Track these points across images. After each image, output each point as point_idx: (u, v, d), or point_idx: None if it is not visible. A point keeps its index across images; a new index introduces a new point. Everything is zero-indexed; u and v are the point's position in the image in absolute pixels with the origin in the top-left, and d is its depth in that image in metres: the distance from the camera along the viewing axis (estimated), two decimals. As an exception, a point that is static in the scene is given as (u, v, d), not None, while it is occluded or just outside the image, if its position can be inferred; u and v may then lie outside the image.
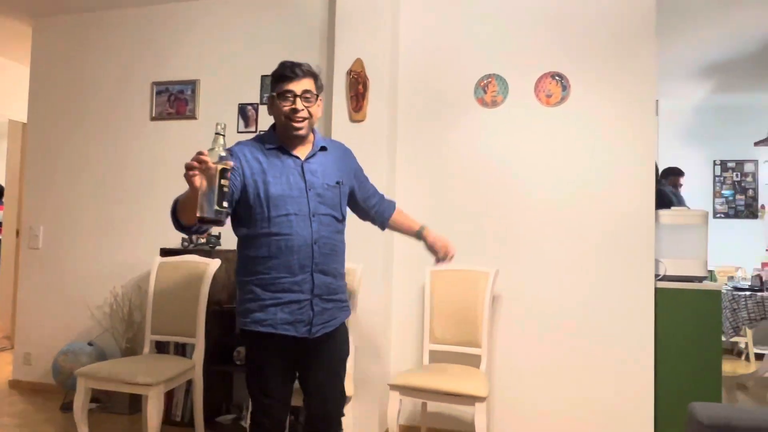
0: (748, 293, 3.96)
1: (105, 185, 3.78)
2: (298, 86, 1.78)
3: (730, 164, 5.93)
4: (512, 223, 3.05)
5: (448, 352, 2.85)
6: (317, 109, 1.86)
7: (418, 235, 2.12)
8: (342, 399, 1.97)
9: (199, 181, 1.47)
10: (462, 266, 2.84)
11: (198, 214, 1.47)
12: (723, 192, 5.94)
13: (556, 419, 2.93)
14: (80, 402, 2.54)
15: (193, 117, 3.60)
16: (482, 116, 3.12)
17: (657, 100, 5.66)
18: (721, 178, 5.91)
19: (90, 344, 3.50)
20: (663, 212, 3.03)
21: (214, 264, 2.92)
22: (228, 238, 3.38)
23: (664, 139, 5.75)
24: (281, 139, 1.86)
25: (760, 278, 4.19)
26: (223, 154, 1.48)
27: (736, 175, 5.90)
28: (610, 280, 2.89)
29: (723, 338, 5.11)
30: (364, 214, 2.14)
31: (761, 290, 4.03)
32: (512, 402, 2.99)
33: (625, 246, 2.88)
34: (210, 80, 3.60)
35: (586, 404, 2.90)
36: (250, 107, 3.50)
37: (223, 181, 1.46)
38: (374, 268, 2.98)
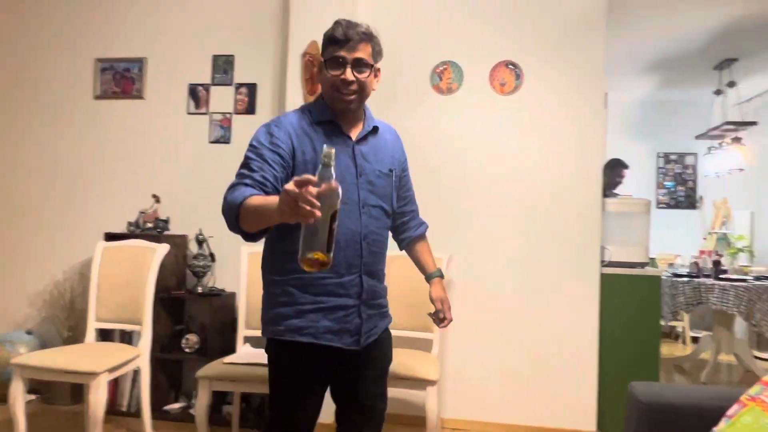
0: (686, 279, 4.16)
1: (44, 166, 3.59)
2: (350, 53, 1.48)
3: (672, 157, 6.20)
4: (465, 209, 3.09)
5: (400, 338, 2.87)
6: (372, 82, 1.56)
7: (428, 277, 1.83)
8: (382, 417, 1.72)
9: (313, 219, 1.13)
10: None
11: (301, 255, 1.18)
12: (665, 183, 6.21)
13: (506, 400, 3.01)
14: (16, 393, 2.42)
15: (140, 97, 3.45)
16: (438, 103, 3.13)
17: (606, 93, 5.86)
18: (664, 170, 6.17)
19: (29, 333, 3.34)
20: (609, 200, 3.14)
21: (162, 249, 2.83)
22: (177, 222, 3.28)
23: (612, 131, 5.93)
24: (331, 112, 1.56)
25: (697, 265, 4.42)
26: (333, 187, 1.15)
27: (678, 168, 6.18)
28: (559, 266, 2.97)
29: (662, 322, 5.38)
30: (391, 218, 1.76)
31: (698, 276, 4.25)
32: (463, 385, 3.05)
33: (573, 232, 2.97)
34: (159, 59, 3.46)
35: (534, 385, 2.99)
36: (201, 88, 3.39)
37: (333, 225, 1.18)
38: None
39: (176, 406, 3.12)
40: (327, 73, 1.52)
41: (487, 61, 3.09)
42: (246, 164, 1.51)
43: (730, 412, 1.66)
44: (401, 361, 2.51)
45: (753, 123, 4.89)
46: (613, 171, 4.59)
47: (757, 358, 4.82)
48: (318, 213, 1.10)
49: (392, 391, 2.99)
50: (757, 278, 4.18)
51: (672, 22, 4.01)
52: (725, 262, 4.80)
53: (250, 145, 1.54)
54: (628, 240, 3.05)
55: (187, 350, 3.07)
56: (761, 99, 5.19)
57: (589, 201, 2.97)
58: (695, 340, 5.38)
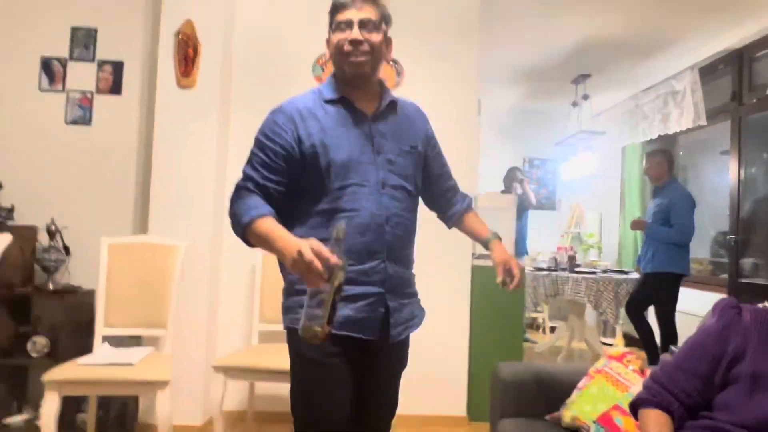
0: (545, 273, 4.54)
1: None
2: (356, 14, 1.41)
3: (536, 162, 6.75)
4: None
5: (280, 332, 2.80)
6: (383, 46, 1.45)
7: (485, 243, 1.68)
8: (390, 423, 1.62)
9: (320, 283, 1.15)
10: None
11: (302, 324, 1.17)
12: (530, 186, 6.74)
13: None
14: None
15: (-22, 68, 3.02)
16: (320, 95, 3.11)
17: (480, 100, 6.24)
18: (529, 174, 6.70)
19: None
20: (480, 196, 3.32)
21: (3, 240, 2.49)
22: (25, 211, 2.92)
23: (486, 135, 6.34)
24: (343, 88, 1.47)
25: (555, 260, 4.85)
26: (341, 263, 1.18)
27: (540, 172, 6.75)
28: (435, 257, 3.08)
29: (526, 313, 5.83)
30: (432, 198, 1.71)
31: (556, 270, 4.66)
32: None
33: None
34: (4, 26, 3.05)
35: (411, 369, 3.07)
36: (56, 62, 3.05)
37: (337, 297, 1.19)
38: (201, 246, 2.81)
39: (20, 418, 2.76)
40: (333, 38, 1.44)
41: (370, 56, 3.12)
42: (250, 162, 1.46)
43: (580, 384, 1.84)
44: (278, 355, 2.45)
45: (602, 133, 5.48)
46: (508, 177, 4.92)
47: (603, 343, 5.40)
48: (325, 284, 1.15)
49: (269, 388, 2.94)
50: (604, 271, 4.69)
51: (535, 38, 4.36)
52: (579, 257, 5.32)
53: (256, 137, 1.47)
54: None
55: (33, 354, 2.73)
56: (608, 113, 5.84)
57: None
58: (553, 329, 5.90)
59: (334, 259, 1.15)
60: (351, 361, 1.42)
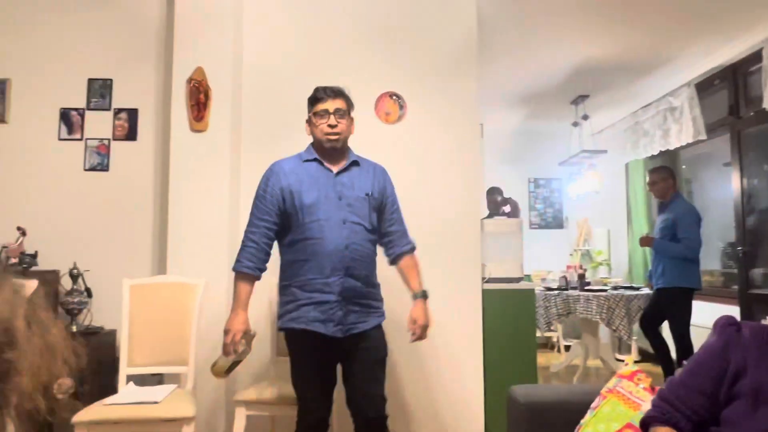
0: (556, 292, 4.58)
1: None
2: (331, 105, 2.04)
3: (541, 182, 6.83)
4: (356, 234, 3.18)
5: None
6: (349, 126, 2.10)
7: (413, 296, 2.18)
8: (381, 400, 2.07)
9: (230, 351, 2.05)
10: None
11: (212, 366, 2.10)
12: (536, 206, 6.81)
13: (398, 414, 3.09)
14: None
15: (2, 121, 3.17)
16: (326, 131, 3.22)
17: (482, 124, 6.35)
18: (535, 194, 6.77)
19: None
20: (487, 221, 3.40)
21: (29, 286, 2.59)
22: (48, 257, 3.03)
23: (489, 158, 6.43)
24: (318, 153, 2.09)
25: (566, 279, 4.89)
26: (244, 353, 2.11)
27: (546, 191, 6.82)
28: (445, 283, 3.14)
29: (538, 333, 5.83)
30: (380, 236, 2.20)
31: (566, 289, 4.70)
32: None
33: (457, 252, 3.18)
34: (25, 80, 3.20)
35: (426, 393, 3.11)
36: (74, 112, 3.19)
37: (233, 366, 2.10)
38: (218, 283, 2.89)
39: (46, 459, 2.82)
40: (316, 122, 2.06)
41: (373, 91, 3.24)
42: (251, 217, 2.12)
43: (593, 404, 1.87)
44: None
45: (604, 151, 5.56)
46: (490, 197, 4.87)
47: (619, 360, 5.39)
48: (230, 354, 2.06)
49: (290, 418, 2.98)
50: (615, 288, 4.72)
51: (533, 62, 4.49)
52: (588, 275, 5.35)
53: (255, 194, 2.13)
54: (504, 257, 3.32)
55: (59, 396, 2.80)
56: (609, 131, 5.93)
57: (469, 223, 3.20)
58: (568, 348, 5.89)
59: (237, 347, 2.04)
60: (320, 352, 2.01)
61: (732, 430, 1.26)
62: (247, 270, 2.04)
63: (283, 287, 2.07)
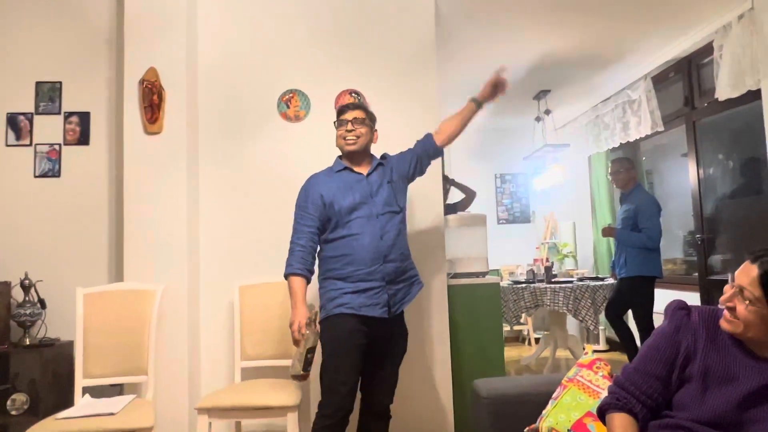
0: (524, 285, 4.62)
1: None
2: (350, 115, 2.32)
3: (507, 177, 6.89)
4: (320, 234, 3.14)
5: (262, 367, 2.81)
6: (368, 133, 2.36)
7: (476, 105, 2.53)
8: (395, 386, 2.39)
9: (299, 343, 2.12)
10: (267, 279, 2.84)
11: (291, 372, 2.13)
12: (503, 201, 6.87)
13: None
14: None
15: (-56, 128, 3.03)
16: (286, 130, 3.18)
17: (447, 121, 6.37)
18: (501, 189, 6.83)
19: None
20: (450, 217, 3.40)
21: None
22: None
23: (455, 155, 6.47)
24: (346, 162, 2.36)
25: (533, 272, 4.93)
26: (313, 340, 2.13)
27: (512, 186, 6.88)
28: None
29: (508, 327, 5.87)
30: (425, 163, 2.50)
31: (534, 282, 4.74)
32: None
33: (420, 248, 3.16)
34: (-33, 85, 3.07)
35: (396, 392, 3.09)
36: (22, 117, 3.07)
37: (309, 356, 2.10)
38: (178, 289, 2.82)
39: (1, 479, 2.70)
40: (338, 131, 2.35)
41: (332, 89, 3.21)
42: (295, 225, 2.32)
43: (554, 395, 1.88)
44: (260, 391, 2.46)
45: (567, 145, 5.64)
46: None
47: (587, 350, 5.47)
48: (299, 344, 2.12)
49: (255, 425, 2.93)
50: (581, 279, 4.78)
51: (494, 57, 4.51)
52: (555, 267, 5.41)
53: (296, 206, 2.35)
54: (469, 252, 3.32)
55: (13, 412, 2.69)
56: (571, 125, 6.02)
57: (432, 218, 3.19)
58: (538, 340, 5.96)
59: (303, 331, 2.10)
60: (361, 337, 2.18)
61: (683, 413, 1.28)
62: (299, 271, 2.21)
63: (325, 279, 2.26)
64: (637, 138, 4.82)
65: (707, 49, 4.04)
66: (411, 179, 2.49)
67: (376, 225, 2.24)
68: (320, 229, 2.30)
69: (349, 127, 2.31)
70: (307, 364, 2.09)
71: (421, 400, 3.09)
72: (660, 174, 5.77)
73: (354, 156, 2.35)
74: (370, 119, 2.38)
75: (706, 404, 1.25)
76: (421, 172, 2.51)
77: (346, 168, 2.36)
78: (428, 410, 3.09)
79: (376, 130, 2.43)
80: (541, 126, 5.80)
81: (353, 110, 2.35)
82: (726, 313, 1.29)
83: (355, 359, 2.16)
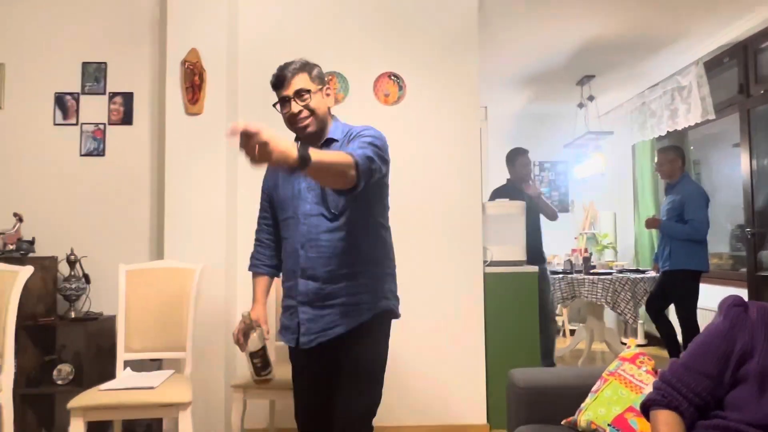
0: (561, 276, 4.52)
1: None
2: (290, 88, 1.71)
3: (546, 165, 6.73)
4: (356, 218, 3.13)
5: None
6: (320, 102, 1.74)
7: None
8: (358, 413, 1.72)
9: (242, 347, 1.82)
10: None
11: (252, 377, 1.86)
12: (542, 189, 6.72)
13: (399, 402, 3.07)
14: None
15: (-4, 106, 3.13)
16: (324, 113, 3.16)
17: (486, 107, 6.25)
18: (540, 177, 6.68)
19: None
20: (489, 204, 3.34)
21: (25, 272, 2.57)
22: (43, 244, 3.01)
23: (493, 142, 6.35)
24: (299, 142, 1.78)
25: (570, 263, 4.82)
26: (254, 345, 1.81)
27: (552, 175, 6.72)
28: (445, 266, 3.11)
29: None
30: None
31: (571, 272, 4.63)
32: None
33: (457, 235, 3.12)
34: (19, 65, 3.16)
35: (428, 376, 3.08)
36: (69, 97, 3.15)
37: (255, 360, 1.81)
38: (216, 268, 2.86)
39: (47, 445, 2.83)
40: (281, 113, 1.76)
41: (372, 72, 3.18)
42: (260, 206, 1.98)
43: (594, 388, 1.83)
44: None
45: (610, 132, 5.45)
46: (517, 162, 4.26)
47: (624, 344, 5.34)
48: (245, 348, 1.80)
49: (290, 404, 2.96)
50: (620, 271, 4.65)
51: (536, 42, 4.38)
52: (594, 258, 5.28)
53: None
54: (506, 240, 3.26)
55: (59, 382, 2.80)
56: (616, 112, 5.82)
57: (470, 205, 3.14)
58: (573, 332, 5.85)
59: (241, 339, 1.80)
60: (299, 362, 1.84)
61: (737, 413, 1.21)
62: (253, 268, 1.96)
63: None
64: (686, 126, 4.62)
65: (765, 34, 3.82)
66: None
67: (299, 230, 1.74)
68: (274, 221, 1.92)
69: (295, 107, 1.70)
70: (259, 369, 1.81)
71: (454, 386, 3.07)
72: (708, 164, 5.53)
73: (309, 138, 1.74)
74: (318, 81, 1.75)
75: (763, 407, 1.18)
76: None
77: None
78: (461, 397, 3.08)
79: (328, 88, 1.78)
80: (583, 112, 5.62)
81: (292, 78, 1.70)
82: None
83: (296, 378, 1.88)
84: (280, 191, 1.81)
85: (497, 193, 4.10)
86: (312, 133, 1.73)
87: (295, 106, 1.70)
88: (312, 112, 1.72)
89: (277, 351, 2.70)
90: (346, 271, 1.73)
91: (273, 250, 1.94)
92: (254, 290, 1.94)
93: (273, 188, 1.86)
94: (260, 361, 1.80)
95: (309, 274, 1.73)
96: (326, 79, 1.82)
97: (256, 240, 1.98)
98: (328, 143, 1.76)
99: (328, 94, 1.79)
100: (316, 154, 1.40)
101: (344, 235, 1.73)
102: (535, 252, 3.91)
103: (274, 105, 1.77)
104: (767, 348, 1.24)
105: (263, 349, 1.81)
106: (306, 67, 1.74)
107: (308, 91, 1.71)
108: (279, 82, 1.73)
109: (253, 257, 1.97)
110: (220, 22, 2.97)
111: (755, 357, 1.25)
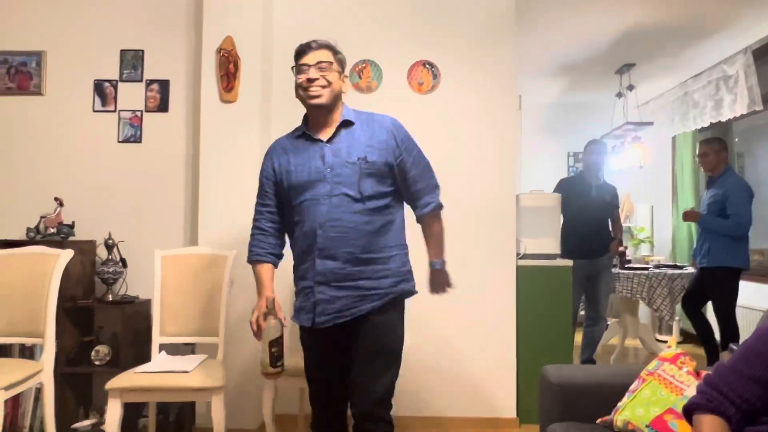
0: (595, 270, 4.41)
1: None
2: (312, 57, 1.76)
3: (581, 155, 6.57)
4: (387, 208, 3.11)
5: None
6: (337, 80, 1.80)
7: (429, 265, 1.96)
8: (378, 394, 1.76)
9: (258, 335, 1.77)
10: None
11: (261, 370, 1.79)
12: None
13: (429, 393, 3.06)
14: None
15: (38, 93, 3.21)
16: (357, 101, 3.12)
17: (520, 96, 6.12)
18: (575, 168, 6.54)
19: None
20: (523, 195, 3.27)
21: (66, 255, 2.64)
22: (84, 227, 3.08)
23: (527, 131, 6.23)
24: (309, 124, 1.85)
25: (605, 256, 4.70)
26: (274, 332, 1.76)
27: (586, 166, 6.55)
28: (477, 258, 3.07)
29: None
30: (405, 198, 1.92)
31: (606, 266, 4.52)
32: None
33: (490, 227, 3.08)
34: (60, 52, 3.23)
35: (457, 377, 3.07)
36: (107, 84, 3.20)
37: (273, 350, 1.75)
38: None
39: (86, 423, 2.91)
40: (297, 79, 1.78)
41: (405, 60, 3.14)
42: (258, 195, 1.94)
43: (632, 387, 1.79)
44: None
45: (650, 123, 5.28)
46: (587, 149, 4.20)
47: (658, 341, 5.22)
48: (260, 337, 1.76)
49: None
50: (657, 266, 4.52)
51: (575, 28, 4.26)
52: (629, 252, 5.15)
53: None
54: (540, 232, 3.19)
55: (97, 363, 2.88)
56: (656, 102, 5.63)
57: (504, 196, 3.09)
58: (606, 327, 5.73)
59: (262, 324, 1.75)
60: (316, 341, 1.84)
61: (788, 421, 1.16)
62: (257, 258, 1.88)
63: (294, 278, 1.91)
64: (731, 117, 4.44)
65: (822, 20, 3.62)
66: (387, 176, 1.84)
67: (320, 209, 1.73)
68: (279, 207, 1.89)
69: (312, 74, 1.75)
70: (275, 359, 1.75)
71: (484, 380, 3.05)
72: (753, 157, 5.31)
73: (319, 113, 1.80)
74: (339, 63, 1.82)
75: (817, 415, 1.12)
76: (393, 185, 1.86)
77: (304, 133, 1.84)
78: (491, 390, 3.05)
79: (346, 77, 1.86)
80: (622, 102, 5.46)
81: (317, 50, 1.77)
82: None
83: (313, 357, 1.89)
84: (294, 175, 1.80)
85: (560, 184, 4.17)
86: (319, 105, 1.77)
87: (314, 72, 1.75)
88: (328, 83, 1.77)
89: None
90: (369, 255, 1.76)
91: (277, 238, 1.91)
92: (260, 280, 1.86)
93: (284, 173, 1.82)
94: (278, 350, 1.76)
95: (327, 254, 1.73)
96: (351, 69, 1.98)
97: (257, 229, 1.91)
98: (346, 125, 1.82)
99: (344, 81, 1.85)
100: (438, 252, 1.95)
101: (370, 219, 1.76)
102: (602, 245, 4.01)
103: (292, 68, 1.80)
104: (823, 354, 1.17)
105: (281, 338, 1.77)
106: (332, 47, 1.82)
107: (330, 63, 1.77)
108: (303, 50, 1.79)
109: (254, 246, 1.89)
110: (255, 10, 2.97)
111: (809, 363, 1.19)
